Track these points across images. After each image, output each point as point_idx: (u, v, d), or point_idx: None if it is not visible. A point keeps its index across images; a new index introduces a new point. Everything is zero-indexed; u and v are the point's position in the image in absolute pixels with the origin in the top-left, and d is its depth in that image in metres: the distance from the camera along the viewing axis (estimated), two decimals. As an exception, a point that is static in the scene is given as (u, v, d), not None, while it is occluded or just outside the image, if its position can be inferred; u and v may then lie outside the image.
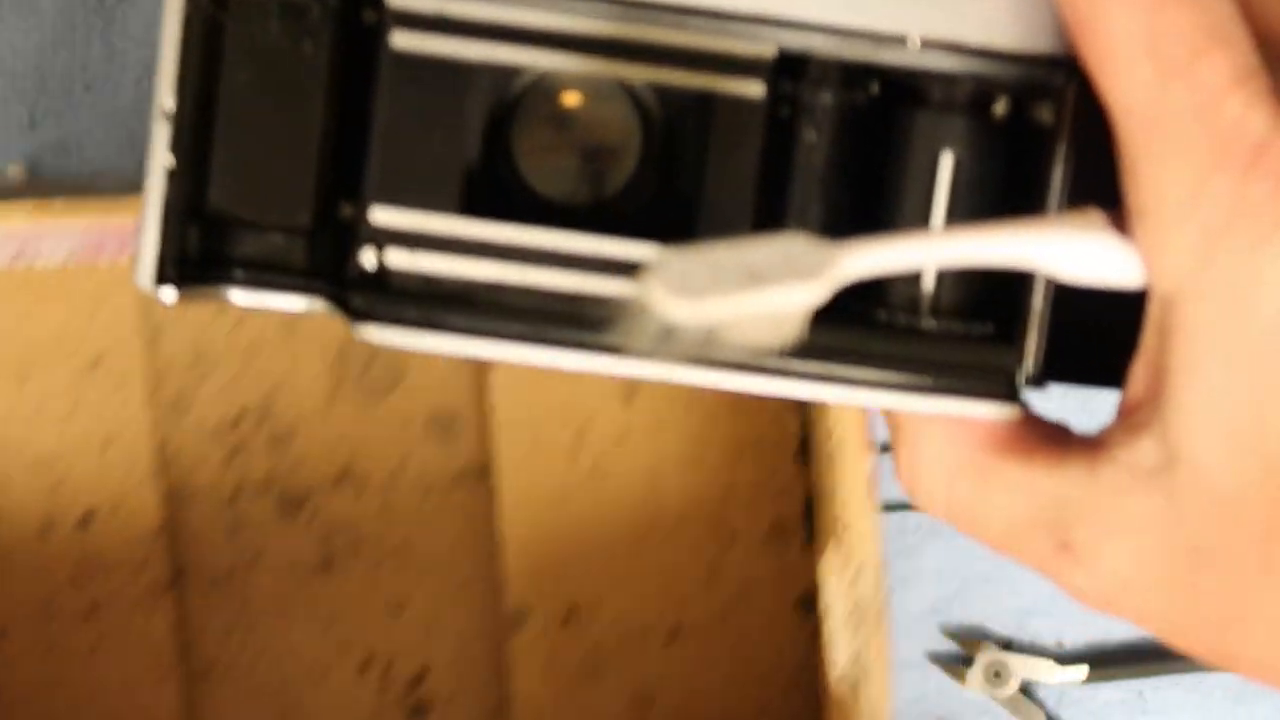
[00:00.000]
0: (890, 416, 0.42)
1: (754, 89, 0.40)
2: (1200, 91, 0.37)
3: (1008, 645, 0.75)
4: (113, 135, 0.74)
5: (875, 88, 0.41)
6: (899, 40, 0.40)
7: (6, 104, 0.74)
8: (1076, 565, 0.41)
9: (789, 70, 0.41)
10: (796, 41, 0.40)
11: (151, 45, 0.74)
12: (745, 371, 0.41)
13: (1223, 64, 0.37)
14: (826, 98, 0.41)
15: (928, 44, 0.40)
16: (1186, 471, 0.39)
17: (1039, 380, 0.41)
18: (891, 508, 0.75)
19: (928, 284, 0.41)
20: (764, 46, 0.40)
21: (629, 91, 0.41)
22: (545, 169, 0.41)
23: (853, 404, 0.41)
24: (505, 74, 0.40)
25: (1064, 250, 0.39)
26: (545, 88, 0.41)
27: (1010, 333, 0.41)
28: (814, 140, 0.41)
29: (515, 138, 0.41)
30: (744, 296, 0.36)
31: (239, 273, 0.41)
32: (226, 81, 0.40)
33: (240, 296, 0.41)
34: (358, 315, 0.40)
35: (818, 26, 0.40)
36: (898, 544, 0.75)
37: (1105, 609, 0.42)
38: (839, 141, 0.41)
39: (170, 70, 0.40)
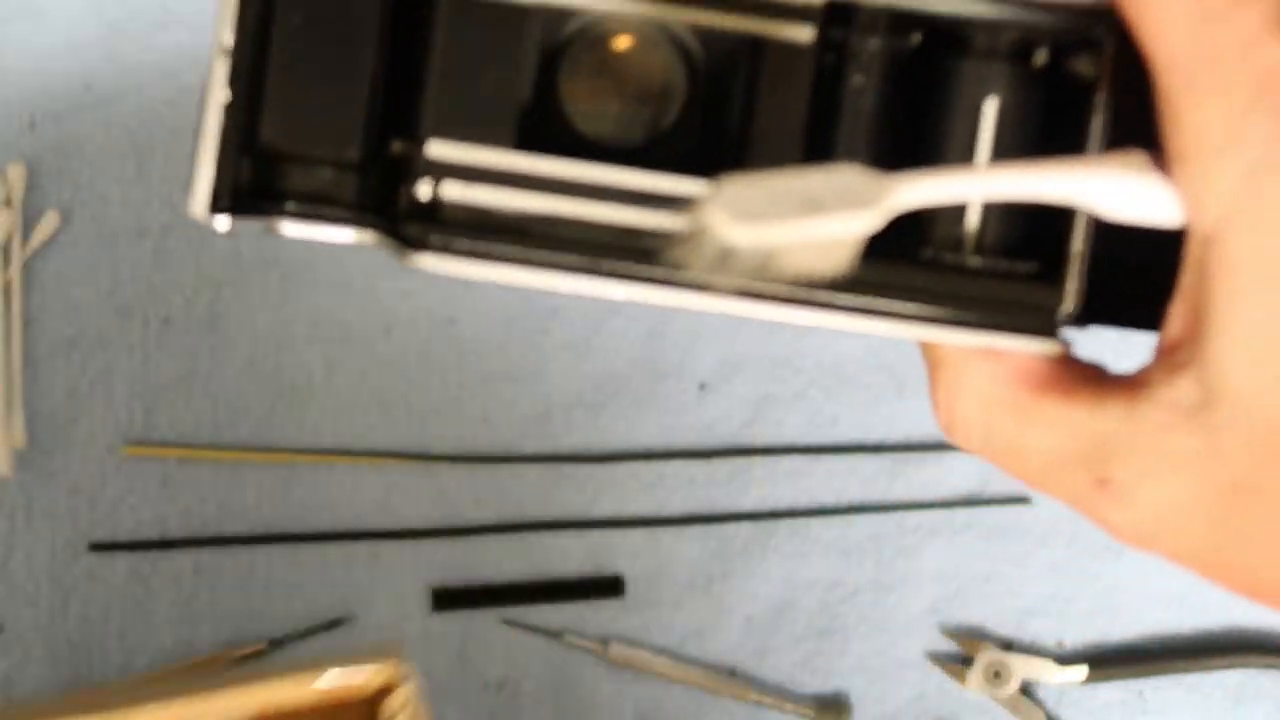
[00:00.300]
0: (929, 351, 0.43)
1: (804, 34, 0.42)
2: (1239, 35, 0.38)
3: (1008, 645, 0.75)
4: (113, 136, 0.74)
5: (918, 36, 0.42)
6: None
7: (7, 105, 0.74)
8: (1114, 502, 0.41)
9: (838, 17, 0.42)
10: None
11: (151, 45, 0.74)
12: (795, 304, 0.42)
13: (1259, 9, 0.38)
14: (874, 43, 0.42)
15: None
16: (1227, 408, 0.39)
17: (1079, 321, 0.43)
18: (892, 508, 0.75)
19: (972, 222, 0.42)
20: None
21: (672, 37, 0.43)
22: (590, 112, 0.43)
23: (898, 336, 0.42)
24: (558, 16, 0.42)
25: (1108, 187, 0.40)
26: (591, 33, 0.43)
27: (1054, 272, 0.42)
28: (861, 84, 0.42)
29: (562, 81, 0.43)
30: (801, 222, 0.38)
31: (290, 205, 0.43)
32: (281, 19, 0.42)
33: (291, 228, 0.43)
34: (411, 244, 0.42)
35: None
36: (898, 544, 0.75)
37: (1142, 546, 0.42)
38: (885, 87, 0.42)
39: (230, 7, 0.41)
